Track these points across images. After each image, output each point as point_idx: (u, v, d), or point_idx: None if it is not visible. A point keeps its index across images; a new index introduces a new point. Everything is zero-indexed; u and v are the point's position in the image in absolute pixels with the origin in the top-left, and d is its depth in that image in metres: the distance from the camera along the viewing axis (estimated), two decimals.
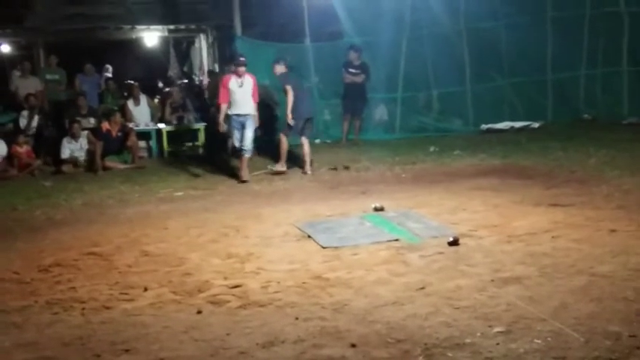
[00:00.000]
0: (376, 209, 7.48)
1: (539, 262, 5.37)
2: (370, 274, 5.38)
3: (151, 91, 15.50)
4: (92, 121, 13.14)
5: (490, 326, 4.15)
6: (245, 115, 10.22)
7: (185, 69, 19.76)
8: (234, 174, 10.58)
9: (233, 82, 10.24)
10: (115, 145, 12.15)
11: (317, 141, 13.50)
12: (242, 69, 10.24)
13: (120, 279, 5.66)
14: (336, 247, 6.19)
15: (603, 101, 14.08)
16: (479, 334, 4.05)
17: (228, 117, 10.36)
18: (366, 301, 4.76)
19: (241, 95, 10.22)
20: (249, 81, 10.30)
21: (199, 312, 4.75)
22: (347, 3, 13.38)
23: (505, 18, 13.73)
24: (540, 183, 8.64)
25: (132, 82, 14.94)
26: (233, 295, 5.06)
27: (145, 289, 5.33)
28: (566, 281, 4.90)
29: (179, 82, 17.39)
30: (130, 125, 12.83)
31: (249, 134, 10.22)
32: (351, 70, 12.87)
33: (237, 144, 10.40)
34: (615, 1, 13.67)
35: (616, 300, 4.45)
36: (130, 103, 13.71)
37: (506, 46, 13.86)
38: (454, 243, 6.02)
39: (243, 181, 10.01)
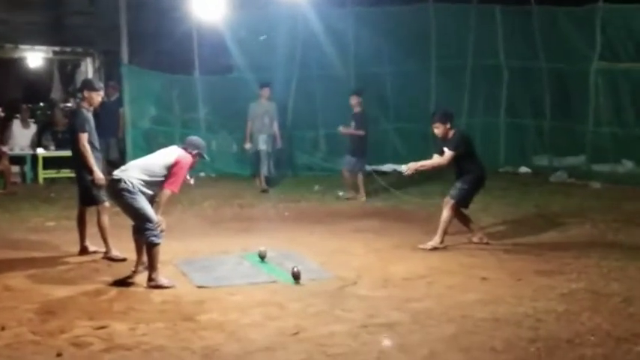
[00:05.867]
0: (260, 255, 7.12)
1: (413, 309, 5.43)
2: (244, 317, 5.27)
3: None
4: None
5: None
6: None
7: (70, 90, 19.08)
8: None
9: None
10: None
11: (201, 174, 13.32)
12: None
13: None
14: (210, 287, 6.03)
15: (482, 149, 14.59)
16: None
17: None
18: (238, 346, 4.64)
19: None
20: None
21: (59, 355, 4.46)
22: (238, 38, 13.36)
23: (392, 64, 14.11)
24: (419, 227, 8.82)
25: (23, 105, 14.24)
26: (97, 336, 4.79)
27: (3, 328, 4.98)
28: (437, 329, 4.96)
29: (62, 105, 16.76)
30: (4, 149, 12.20)
31: None
32: None
33: None
34: (495, 54, 14.33)
35: (483, 350, 4.54)
36: (17, 125, 13.11)
37: (392, 91, 14.24)
38: (296, 277, 6.13)
39: None
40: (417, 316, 5.26)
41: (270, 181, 12.14)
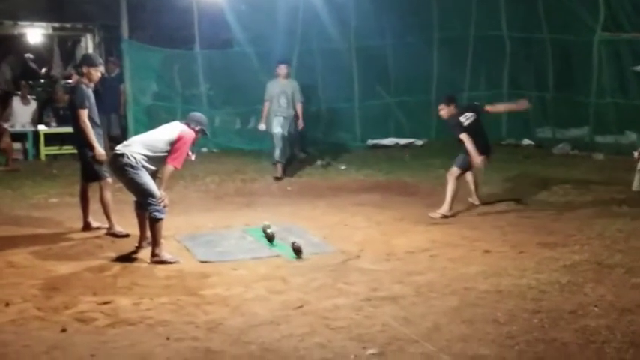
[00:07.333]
0: (264, 232, 6.97)
1: (416, 282, 5.44)
2: (248, 291, 5.29)
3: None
4: None
5: (364, 347, 4.15)
6: None
7: (70, 68, 18.99)
8: None
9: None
10: None
11: (204, 150, 13.28)
12: None
13: None
14: (213, 262, 6.05)
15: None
16: (352, 355, 4.04)
17: None
18: (242, 320, 4.66)
19: None
20: None
21: (64, 330, 4.49)
22: (238, 12, 13.23)
23: (393, 37, 14.00)
24: (421, 200, 8.82)
25: (23, 81, 14.15)
26: (101, 312, 4.83)
27: (7, 304, 5.00)
28: (440, 302, 4.98)
29: (63, 81, 16.68)
30: (5, 126, 12.17)
31: None
32: None
33: None
34: (498, 25, 14.20)
35: (486, 322, 4.55)
36: (17, 101, 13.07)
37: (393, 64, 14.14)
38: (297, 251, 6.16)
39: None
40: (420, 288, 5.28)
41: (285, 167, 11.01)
